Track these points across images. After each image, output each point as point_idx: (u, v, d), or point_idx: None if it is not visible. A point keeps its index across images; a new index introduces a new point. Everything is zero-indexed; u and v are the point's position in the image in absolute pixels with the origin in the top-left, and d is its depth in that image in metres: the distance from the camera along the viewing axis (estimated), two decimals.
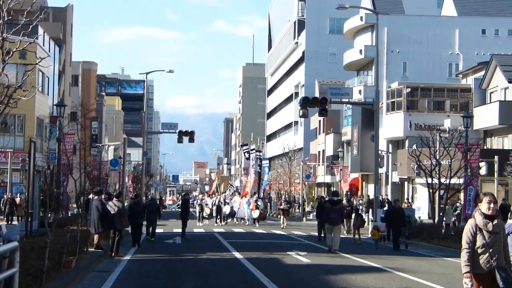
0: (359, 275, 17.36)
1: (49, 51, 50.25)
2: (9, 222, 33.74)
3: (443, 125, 42.85)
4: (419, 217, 40.67)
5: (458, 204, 35.50)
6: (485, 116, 44.46)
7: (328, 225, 24.29)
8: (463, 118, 32.95)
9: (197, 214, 43.45)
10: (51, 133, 43.19)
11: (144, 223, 27.66)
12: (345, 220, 31.98)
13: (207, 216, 44.27)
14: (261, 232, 36.48)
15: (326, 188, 73.52)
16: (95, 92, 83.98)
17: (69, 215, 35.69)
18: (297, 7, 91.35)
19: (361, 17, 60.05)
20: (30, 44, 15.74)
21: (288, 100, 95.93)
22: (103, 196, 22.84)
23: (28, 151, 22.88)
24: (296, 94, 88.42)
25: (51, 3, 77.93)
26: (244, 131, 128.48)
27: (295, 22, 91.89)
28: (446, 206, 33.14)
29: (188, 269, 18.52)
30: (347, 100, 39.11)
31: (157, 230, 30.62)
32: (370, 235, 30.87)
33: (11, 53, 14.73)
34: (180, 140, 43.60)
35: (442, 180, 28.92)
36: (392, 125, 51.38)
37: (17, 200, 36.46)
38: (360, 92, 59.06)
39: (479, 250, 9.07)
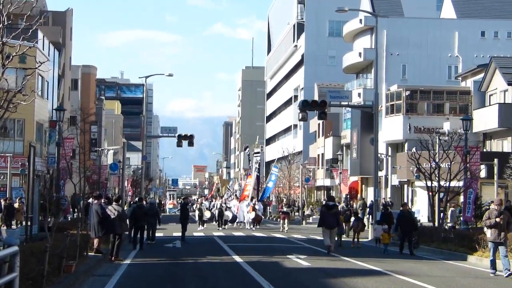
0: (359, 278, 17.35)
1: (48, 55, 50.23)
2: (7, 227, 33.62)
3: (442, 128, 42.85)
4: (419, 220, 40.65)
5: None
6: (485, 119, 44.47)
7: (324, 228, 25.22)
8: (462, 121, 32.94)
9: (197, 218, 43.19)
10: (50, 137, 43.18)
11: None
12: (344, 223, 31.92)
13: (207, 220, 44.13)
14: (261, 235, 36.47)
15: (325, 191, 73.47)
16: (94, 96, 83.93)
17: (69, 219, 35.64)
18: (296, 10, 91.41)
19: (360, 20, 60.06)
20: (30, 48, 15.73)
21: (288, 103, 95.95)
22: (102, 200, 22.87)
23: (27, 156, 22.86)
24: (296, 97, 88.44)
25: (51, 7, 77.99)
26: (244, 134, 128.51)
27: (294, 25, 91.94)
28: (452, 208, 33.16)
29: (188, 273, 18.50)
30: (346, 103, 39.15)
31: (157, 234, 30.66)
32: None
33: (11, 57, 14.75)
34: (179, 144, 43.61)
35: (442, 183, 28.91)
36: (391, 128, 51.37)
37: (16, 205, 36.29)
38: (359, 95, 59.04)
39: None
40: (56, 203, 29.88)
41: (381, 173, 50.04)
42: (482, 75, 47.02)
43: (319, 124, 72.40)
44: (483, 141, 46.09)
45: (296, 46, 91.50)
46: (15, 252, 9.77)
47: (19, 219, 33.38)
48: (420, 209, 45.99)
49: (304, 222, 53.17)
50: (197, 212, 43.01)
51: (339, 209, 30.27)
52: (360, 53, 60.46)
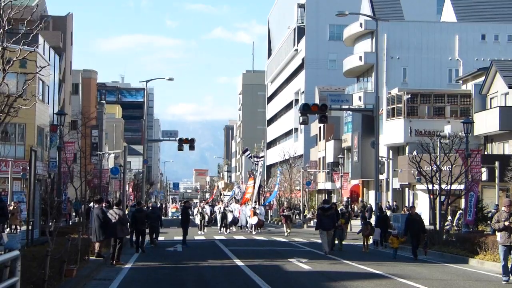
0: (360, 281, 17.35)
1: (49, 60, 50.29)
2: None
3: (443, 131, 42.83)
4: None
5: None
6: (486, 122, 44.48)
7: (321, 230, 25.98)
8: (463, 124, 32.94)
9: (199, 223, 42.88)
10: (51, 141, 43.16)
11: (147, 230, 28.51)
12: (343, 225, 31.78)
13: (207, 224, 44.00)
14: (262, 239, 36.44)
15: (326, 194, 73.44)
16: (95, 101, 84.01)
17: (70, 223, 35.64)
18: (296, 14, 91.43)
19: (361, 24, 60.12)
20: (30, 53, 15.77)
21: (288, 107, 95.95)
22: (103, 205, 22.87)
23: (28, 160, 22.88)
24: (296, 101, 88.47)
25: (51, 12, 78.05)
26: (245, 138, 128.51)
27: (294, 29, 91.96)
28: (461, 211, 33.10)
29: (189, 277, 18.50)
30: (347, 106, 39.16)
31: (158, 238, 30.68)
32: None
33: (12, 62, 14.76)
34: (180, 148, 43.59)
35: (443, 186, 28.89)
36: (392, 131, 51.38)
37: (10, 208, 35.95)
38: (360, 98, 59.08)
39: None
40: (57, 207, 29.87)
41: (382, 177, 50.04)
42: (482, 78, 47.04)
43: (320, 128, 72.40)
44: (484, 144, 46.10)
45: (296, 50, 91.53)
46: (16, 257, 9.78)
47: (14, 223, 33.04)
48: (422, 212, 45.90)
49: (305, 225, 53.14)
50: (198, 216, 42.86)
51: (339, 211, 30.27)
52: (360, 57, 60.51)
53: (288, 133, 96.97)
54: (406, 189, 52.85)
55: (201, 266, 21.46)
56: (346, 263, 22.53)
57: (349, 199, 59.56)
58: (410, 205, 47.52)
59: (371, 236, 30.47)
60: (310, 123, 61.04)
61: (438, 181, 28.95)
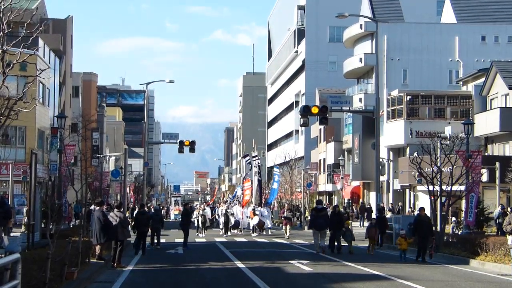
0: (361, 283, 17.35)
1: (49, 63, 50.28)
2: None
3: (444, 132, 42.84)
4: None
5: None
6: (486, 123, 44.48)
7: (314, 230, 26.80)
8: (464, 125, 32.96)
9: (200, 225, 42.40)
10: (52, 144, 43.12)
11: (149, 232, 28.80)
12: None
13: (208, 226, 43.83)
14: (263, 241, 36.42)
15: (327, 196, 73.46)
16: (95, 103, 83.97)
17: (71, 226, 35.60)
18: (296, 16, 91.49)
19: (361, 25, 60.15)
20: (30, 56, 15.75)
21: (289, 109, 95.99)
22: (104, 207, 22.86)
23: (29, 163, 22.88)
24: (297, 102, 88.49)
25: (51, 15, 78.01)
26: (245, 140, 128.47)
27: (294, 31, 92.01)
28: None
29: (190, 279, 18.49)
30: (347, 108, 39.17)
31: (160, 240, 30.69)
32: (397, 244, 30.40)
33: (12, 65, 14.76)
34: (181, 150, 43.64)
35: (444, 187, 28.89)
36: (393, 132, 51.38)
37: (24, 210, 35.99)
38: (360, 100, 59.10)
39: None
40: (58, 210, 29.87)
41: (383, 178, 50.02)
42: (483, 79, 47.06)
43: (320, 130, 72.41)
44: (485, 145, 46.10)
45: (296, 52, 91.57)
46: (16, 259, 9.77)
47: (8, 225, 32.91)
48: None
49: (306, 227, 53.04)
50: (200, 219, 42.62)
51: (342, 213, 30.27)
52: (360, 59, 60.54)
53: (288, 135, 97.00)
54: (407, 190, 52.84)
55: (202, 268, 21.46)
56: (347, 264, 22.53)
57: (350, 201, 59.60)
58: (415, 206, 47.84)
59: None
60: (311, 125, 61.05)
61: (438, 182, 28.94)
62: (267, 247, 31.69)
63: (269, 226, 44.66)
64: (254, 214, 43.09)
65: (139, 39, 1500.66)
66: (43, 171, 44.19)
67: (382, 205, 48.50)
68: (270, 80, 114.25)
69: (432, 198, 29.54)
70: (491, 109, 45.47)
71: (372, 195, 53.46)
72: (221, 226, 43.38)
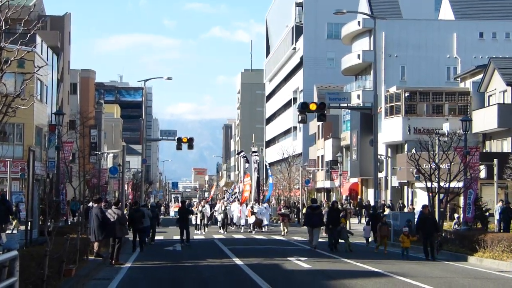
0: (359, 280, 17.36)
1: (47, 60, 50.21)
2: None
3: (442, 129, 42.81)
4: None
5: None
6: (484, 120, 44.48)
7: (309, 227, 27.82)
8: (462, 122, 32.93)
9: (199, 222, 42.13)
10: (50, 141, 43.15)
11: None
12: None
13: (207, 224, 43.73)
14: (261, 238, 36.44)
15: (325, 193, 73.50)
16: (93, 100, 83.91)
17: (69, 223, 35.59)
18: (294, 13, 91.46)
19: (359, 22, 60.12)
20: (28, 53, 15.75)
21: (287, 105, 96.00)
22: (102, 204, 22.86)
23: (27, 160, 22.88)
24: (295, 99, 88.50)
25: (49, 11, 77.98)
26: (243, 137, 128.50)
27: (293, 28, 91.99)
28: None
29: (188, 276, 18.51)
30: (345, 105, 39.18)
31: (157, 237, 30.69)
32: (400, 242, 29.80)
33: (9, 62, 14.73)
34: (179, 147, 43.54)
35: (442, 184, 28.89)
36: (391, 129, 51.37)
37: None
38: (358, 96, 59.08)
39: None
40: (56, 207, 29.86)
41: (381, 175, 50.05)
42: (481, 76, 47.05)
43: (318, 126, 72.41)
44: (483, 142, 46.10)
45: (294, 48, 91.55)
46: (14, 257, 9.77)
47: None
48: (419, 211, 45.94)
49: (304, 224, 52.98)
50: (199, 215, 42.47)
51: (339, 209, 30.31)
52: (358, 55, 60.51)
53: (287, 132, 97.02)
54: (405, 187, 52.86)
55: (200, 265, 21.46)
56: (346, 261, 22.54)
57: (348, 197, 59.61)
58: (413, 203, 47.84)
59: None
60: (309, 121, 61.04)
61: (437, 179, 28.96)
62: (265, 244, 31.72)
63: (266, 223, 44.65)
64: (252, 213, 43.09)
65: (137, 36, 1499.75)
66: (41, 168, 44.17)
67: (383, 202, 48.68)
68: (268, 77, 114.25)
69: (430, 194, 29.53)
70: (489, 105, 45.46)
71: (370, 191, 53.49)
72: (219, 223, 43.35)
